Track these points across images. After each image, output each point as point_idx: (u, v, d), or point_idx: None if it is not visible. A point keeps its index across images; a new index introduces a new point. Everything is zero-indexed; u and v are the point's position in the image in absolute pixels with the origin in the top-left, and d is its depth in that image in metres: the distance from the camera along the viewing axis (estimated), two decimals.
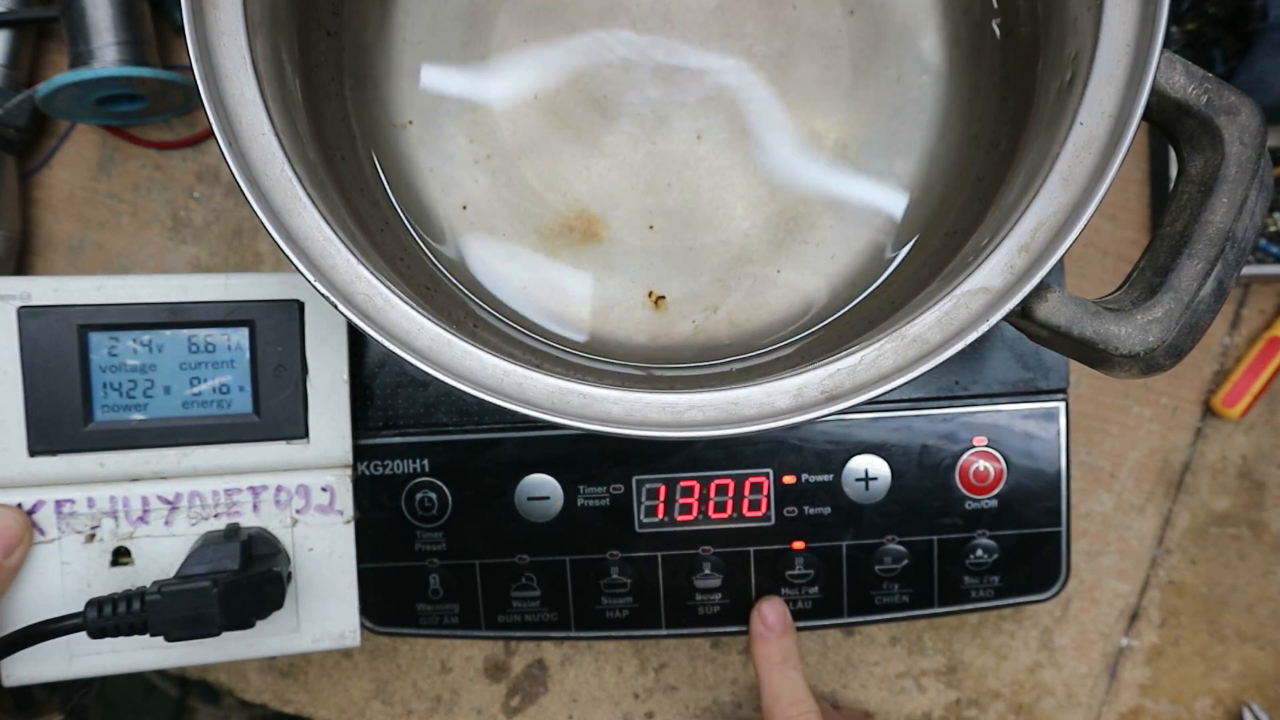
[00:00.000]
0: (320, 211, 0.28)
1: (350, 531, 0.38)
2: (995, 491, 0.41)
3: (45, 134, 0.47)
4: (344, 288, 0.28)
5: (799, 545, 0.41)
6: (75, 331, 0.35)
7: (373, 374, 0.40)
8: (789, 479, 0.40)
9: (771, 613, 0.40)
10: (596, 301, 0.38)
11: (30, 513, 0.36)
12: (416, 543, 0.41)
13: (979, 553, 0.41)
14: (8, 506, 0.35)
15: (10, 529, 0.35)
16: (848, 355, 0.28)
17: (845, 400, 0.28)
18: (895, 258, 0.38)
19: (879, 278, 0.38)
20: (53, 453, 0.36)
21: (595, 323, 0.38)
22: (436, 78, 0.38)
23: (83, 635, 0.33)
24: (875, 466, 0.41)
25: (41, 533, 0.36)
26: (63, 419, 0.35)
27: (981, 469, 0.41)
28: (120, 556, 0.36)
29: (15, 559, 0.35)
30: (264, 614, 0.35)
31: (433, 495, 0.40)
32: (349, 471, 0.38)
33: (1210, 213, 0.28)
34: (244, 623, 0.34)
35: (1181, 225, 0.29)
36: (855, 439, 0.41)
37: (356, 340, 0.39)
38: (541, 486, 0.40)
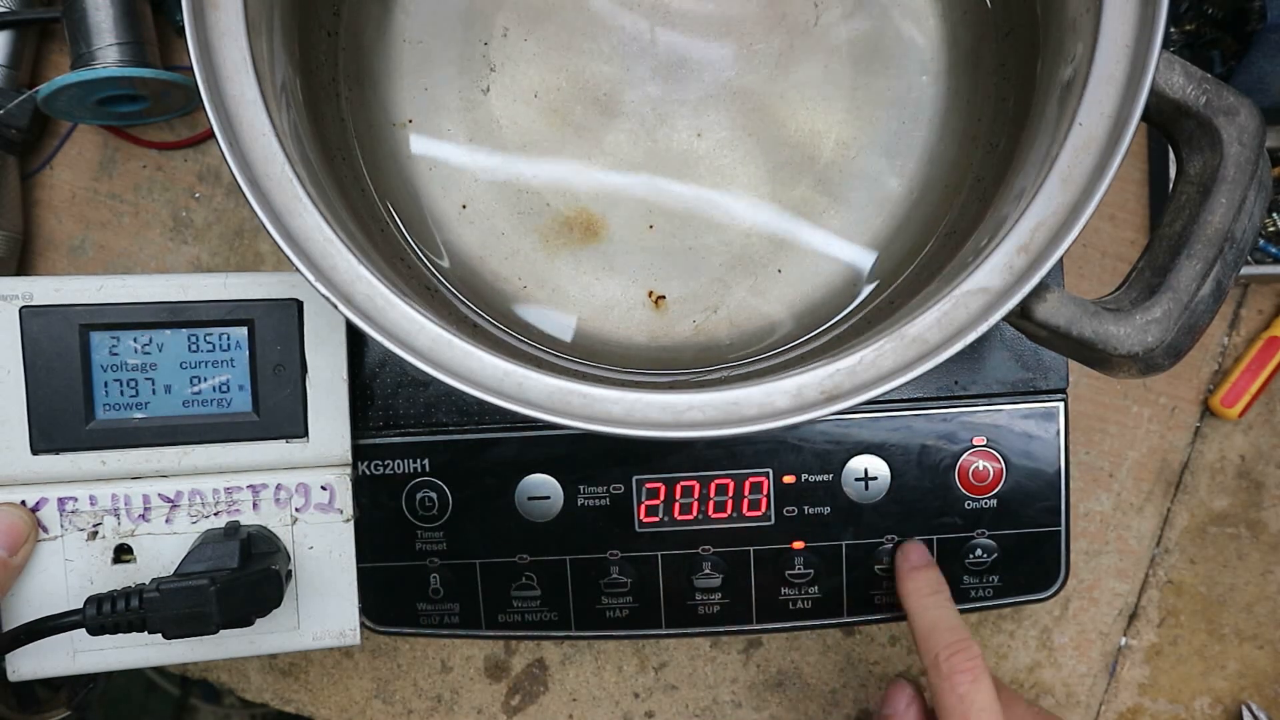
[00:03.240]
0: (320, 212, 0.29)
1: (350, 530, 0.38)
2: (994, 491, 0.41)
3: (47, 134, 0.47)
4: (344, 288, 0.28)
5: (799, 545, 0.41)
6: (77, 331, 0.35)
7: (373, 374, 0.40)
8: (789, 479, 0.40)
9: (914, 551, 0.40)
10: (596, 301, 0.38)
11: (33, 510, 0.36)
12: (417, 542, 0.41)
13: (978, 552, 0.41)
14: (14, 505, 0.36)
15: (17, 527, 0.35)
16: (848, 355, 0.28)
17: (845, 400, 0.28)
18: (895, 258, 0.38)
19: (878, 278, 0.38)
20: (55, 451, 0.36)
21: (595, 322, 0.38)
22: (436, 78, 0.38)
23: (84, 632, 0.33)
24: (875, 466, 0.41)
25: (44, 530, 0.36)
26: (65, 417, 0.36)
27: (981, 469, 0.41)
28: (122, 554, 0.37)
29: (21, 557, 0.35)
30: (263, 612, 0.35)
31: (433, 495, 0.40)
32: (348, 470, 0.38)
33: (1209, 213, 0.28)
34: (243, 620, 0.34)
35: (1180, 225, 0.29)
36: (855, 439, 0.41)
37: (356, 340, 0.39)
38: (541, 486, 0.40)
